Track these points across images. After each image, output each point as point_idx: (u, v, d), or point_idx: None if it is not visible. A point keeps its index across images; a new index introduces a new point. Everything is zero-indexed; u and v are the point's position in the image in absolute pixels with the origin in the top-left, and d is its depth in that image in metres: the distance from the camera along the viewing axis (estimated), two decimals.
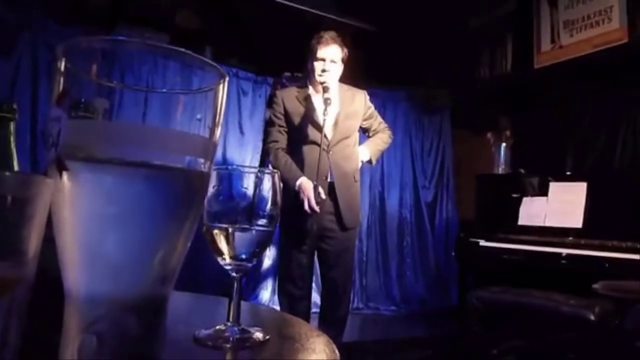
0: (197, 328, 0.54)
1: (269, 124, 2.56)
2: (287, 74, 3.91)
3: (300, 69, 3.49)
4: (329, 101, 2.22)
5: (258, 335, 0.55)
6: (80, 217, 0.33)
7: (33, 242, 0.31)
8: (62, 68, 0.34)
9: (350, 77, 2.49)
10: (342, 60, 2.38)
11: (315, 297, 3.21)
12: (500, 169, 3.66)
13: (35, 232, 0.31)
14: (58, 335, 0.34)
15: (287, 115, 2.39)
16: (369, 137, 2.60)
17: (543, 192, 2.92)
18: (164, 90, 0.36)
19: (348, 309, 2.53)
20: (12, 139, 0.62)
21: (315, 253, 2.39)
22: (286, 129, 2.40)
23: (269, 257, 3.94)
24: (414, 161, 4.70)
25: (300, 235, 2.29)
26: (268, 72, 4.08)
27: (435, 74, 4.50)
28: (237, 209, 0.56)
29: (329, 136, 2.32)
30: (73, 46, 0.34)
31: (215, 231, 0.55)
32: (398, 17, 3.81)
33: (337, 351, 0.52)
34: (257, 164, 3.92)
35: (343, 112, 2.38)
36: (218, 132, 0.38)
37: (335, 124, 2.35)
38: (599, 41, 3.24)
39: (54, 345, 0.34)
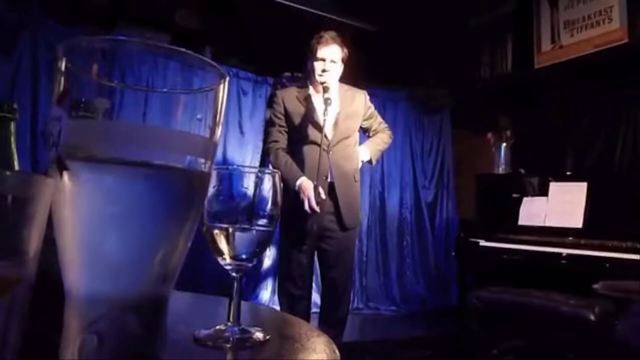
0: (197, 328, 0.54)
1: (269, 124, 2.56)
2: (287, 74, 3.92)
3: (300, 69, 3.49)
4: (329, 101, 2.22)
5: (258, 335, 0.55)
6: (80, 217, 0.33)
7: (33, 242, 0.31)
8: (63, 68, 0.34)
9: (350, 77, 2.49)
10: (342, 60, 2.38)
11: (315, 297, 3.21)
12: (501, 169, 3.65)
13: (35, 232, 0.31)
14: (58, 335, 0.34)
15: (287, 115, 2.39)
16: (369, 137, 2.60)
17: (543, 192, 2.92)
18: (165, 90, 0.36)
19: (348, 309, 2.53)
20: (12, 139, 0.61)
21: (315, 253, 2.39)
22: (286, 129, 2.40)
23: (269, 257, 3.94)
24: (414, 161, 4.70)
25: (300, 235, 2.29)
26: (268, 72, 4.09)
27: (435, 74, 4.50)
28: (238, 209, 0.56)
29: (329, 136, 2.32)
30: (73, 46, 0.34)
31: (216, 231, 0.55)
32: (398, 17, 3.81)
33: (337, 351, 0.52)
34: (257, 164, 3.92)
35: (343, 112, 2.38)
36: (218, 132, 0.38)
37: (336, 124, 2.35)
38: (599, 41, 3.24)
39: (54, 345, 0.34)
